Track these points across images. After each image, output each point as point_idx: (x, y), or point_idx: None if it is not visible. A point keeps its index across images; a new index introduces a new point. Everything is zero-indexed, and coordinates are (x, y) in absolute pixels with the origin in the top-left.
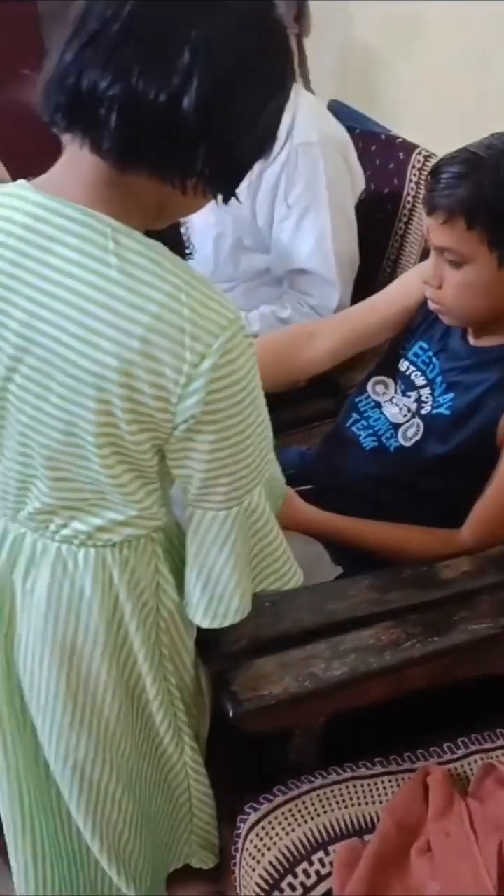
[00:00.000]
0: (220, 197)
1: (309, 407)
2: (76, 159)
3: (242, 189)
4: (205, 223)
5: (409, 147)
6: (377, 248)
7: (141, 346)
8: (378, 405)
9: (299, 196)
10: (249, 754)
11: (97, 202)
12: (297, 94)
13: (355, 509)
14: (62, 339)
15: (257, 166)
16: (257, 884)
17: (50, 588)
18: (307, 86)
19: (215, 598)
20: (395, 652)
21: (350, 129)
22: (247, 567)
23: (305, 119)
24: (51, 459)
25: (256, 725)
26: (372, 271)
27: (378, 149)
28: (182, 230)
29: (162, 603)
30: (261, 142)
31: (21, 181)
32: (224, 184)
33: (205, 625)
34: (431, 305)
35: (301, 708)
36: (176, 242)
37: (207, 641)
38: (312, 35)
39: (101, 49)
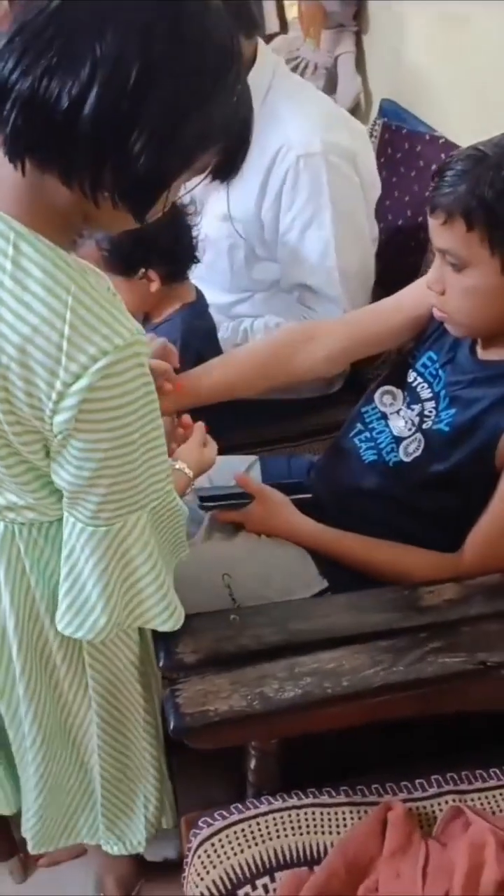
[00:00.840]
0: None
1: (332, 415)
2: None
3: (250, 200)
4: (217, 235)
5: (452, 148)
6: (417, 252)
7: (17, 354)
8: (384, 416)
9: (301, 209)
10: (218, 767)
11: (11, 204)
12: (290, 97)
13: (351, 522)
14: None
15: (258, 178)
16: None
17: None
18: (364, 84)
19: (76, 606)
20: (355, 679)
21: (398, 129)
22: (120, 589)
23: (307, 127)
24: None
25: (199, 742)
26: (409, 277)
27: (423, 149)
28: (194, 233)
29: None
30: (180, 160)
31: None
32: (135, 201)
33: (68, 633)
34: (436, 313)
35: (247, 728)
36: (189, 247)
37: (163, 650)
38: (368, 34)
39: (22, 41)
